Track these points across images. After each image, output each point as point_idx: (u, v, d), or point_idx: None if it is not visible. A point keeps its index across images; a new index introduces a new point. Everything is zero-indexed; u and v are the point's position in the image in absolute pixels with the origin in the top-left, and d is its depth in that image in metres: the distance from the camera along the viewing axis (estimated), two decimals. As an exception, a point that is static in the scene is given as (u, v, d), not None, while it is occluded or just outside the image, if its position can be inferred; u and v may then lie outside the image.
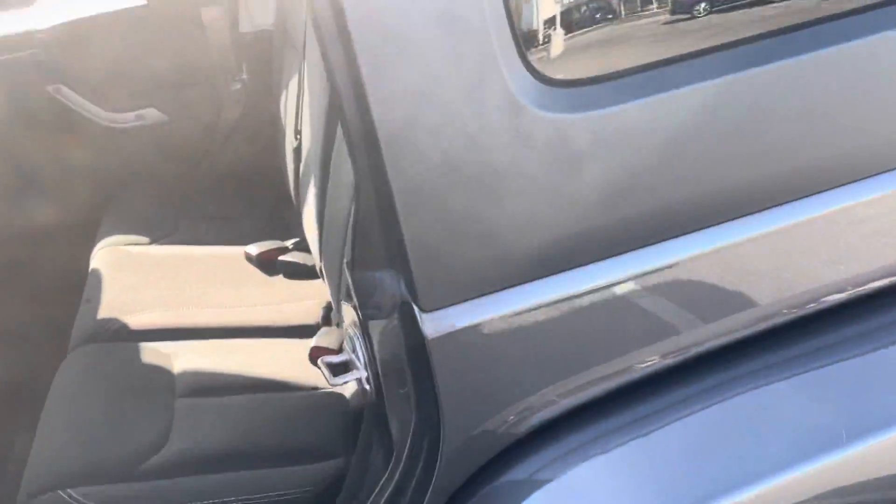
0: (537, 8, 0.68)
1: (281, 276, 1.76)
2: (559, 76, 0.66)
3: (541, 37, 0.67)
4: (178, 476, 1.08)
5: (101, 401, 1.23)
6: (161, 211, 2.11)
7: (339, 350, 1.42)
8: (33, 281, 2.32)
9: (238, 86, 2.40)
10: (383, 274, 0.72)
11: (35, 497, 1.02)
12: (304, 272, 1.75)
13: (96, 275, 1.73)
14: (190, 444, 1.13)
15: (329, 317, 1.57)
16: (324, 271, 1.47)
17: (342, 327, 1.50)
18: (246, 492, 1.06)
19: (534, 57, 0.65)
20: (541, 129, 0.65)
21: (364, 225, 0.70)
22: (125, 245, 1.87)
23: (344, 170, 1.11)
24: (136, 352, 1.39)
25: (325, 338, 1.45)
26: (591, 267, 0.71)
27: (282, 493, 1.07)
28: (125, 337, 1.44)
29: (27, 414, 1.73)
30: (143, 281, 1.66)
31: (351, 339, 0.80)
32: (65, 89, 2.20)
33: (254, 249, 1.81)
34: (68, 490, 1.02)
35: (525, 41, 0.66)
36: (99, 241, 1.94)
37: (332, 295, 1.36)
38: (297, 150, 1.82)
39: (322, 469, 1.12)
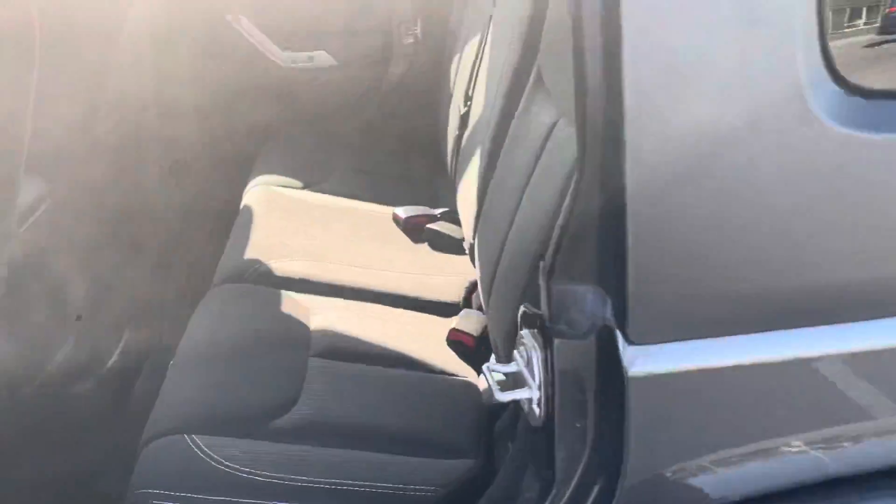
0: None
1: (426, 244, 1.69)
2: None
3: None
4: (303, 443, 1.02)
5: (236, 345, 1.20)
6: (316, 157, 2.08)
7: (479, 336, 1.33)
8: (186, 209, 2.39)
9: (410, 40, 2.34)
10: (587, 289, 0.60)
11: (160, 437, 1.00)
12: (450, 245, 1.67)
13: (247, 212, 1.72)
14: (319, 411, 1.08)
15: (471, 298, 1.48)
16: (476, 251, 1.38)
17: (485, 312, 1.41)
18: (369, 477, 0.99)
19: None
20: (838, 145, 0.51)
21: (577, 229, 0.58)
22: (278, 186, 1.85)
23: (550, 158, 1.00)
24: (277, 299, 1.35)
25: (466, 321, 1.36)
26: (870, 324, 0.56)
27: (405, 486, 0.99)
28: (267, 281, 1.41)
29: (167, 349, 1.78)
30: (292, 226, 1.63)
31: (526, 350, 0.69)
32: (245, 20, 2.21)
33: (402, 212, 1.74)
34: (193, 436, 0.99)
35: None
36: (253, 177, 1.94)
37: (482, 280, 1.27)
38: (465, 118, 1.72)
39: (449, 468, 1.03)
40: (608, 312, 0.60)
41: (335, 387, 1.14)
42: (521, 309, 0.72)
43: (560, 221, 0.64)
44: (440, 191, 2.05)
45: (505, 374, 0.74)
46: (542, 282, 0.63)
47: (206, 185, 2.41)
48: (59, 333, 1.71)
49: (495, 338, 1.10)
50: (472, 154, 1.59)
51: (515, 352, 0.73)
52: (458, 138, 1.77)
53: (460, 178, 1.71)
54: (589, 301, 0.60)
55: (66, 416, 1.58)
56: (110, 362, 1.65)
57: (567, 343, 0.63)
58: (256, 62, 2.28)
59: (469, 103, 1.71)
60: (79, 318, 1.78)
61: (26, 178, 1.62)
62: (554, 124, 1.09)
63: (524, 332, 0.70)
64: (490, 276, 1.18)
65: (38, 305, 1.63)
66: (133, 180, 2.32)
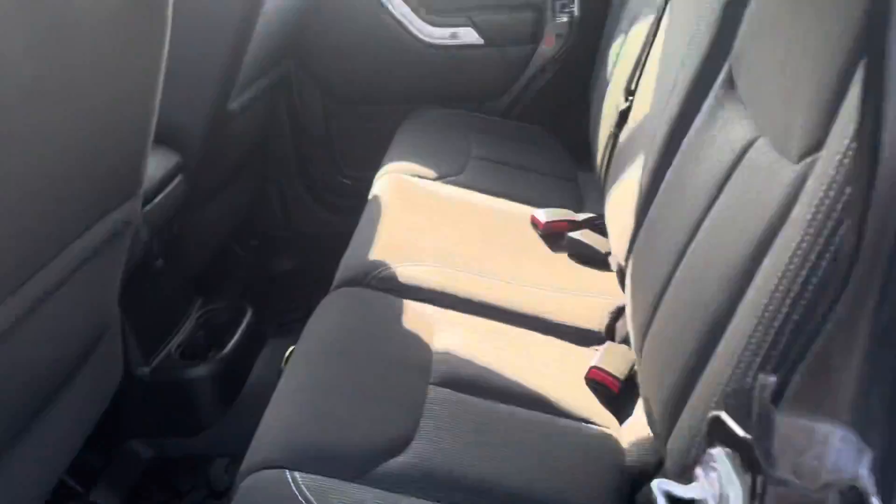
0: None
1: (566, 255, 1.51)
2: None
3: None
4: (414, 495, 0.89)
5: (351, 363, 1.08)
6: (452, 143, 1.94)
7: (623, 380, 1.15)
8: (315, 193, 2.34)
9: (565, 19, 2.13)
10: (834, 429, 0.41)
11: (261, 469, 0.90)
12: (593, 259, 1.48)
13: (376, 203, 1.60)
14: (435, 456, 0.94)
15: (615, 326, 1.29)
16: (628, 278, 1.19)
17: (636, 363, 1.23)
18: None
19: None
20: None
21: (835, 331, 0.40)
22: (410, 175, 1.72)
23: (744, 189, 0.80)
24: (398, 310, 1.22)
25: (609, 358, 1.18)
26: None
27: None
28: (390, 287, 1.28)
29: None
30: (422, 224, 1.50)
31: (718, 478, 0.51)
32: (389, -10, 2.09)
33: (542, 216, 1.56)
34: (296, 474, 0.88)
35: None
36: (386, 162, 1.82)
37: (634, 318, 1.08)
38: (624, 115, 1.52)
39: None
40: (863, 468, 0.41)
41: (455, 427, 1.00)
42: (712, 414, 0.54)
43: (786, 304, 0.45)
44: (585, 191, 1.86)
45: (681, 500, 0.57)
46: (756, 404, 0.45)
47: (336, 167, 2.34)
48: (180, 313, 1.68)
49: (649, 400, 0.92)
50: (630, 159, 1.38)
51: (699, 470, 0.55)
52: (614, 137, 1.57)
53: (612, 183, 1.51)
54: (835, 447, 0.42)
55: (180, 399, 1.55)
56: (228, 348, 1.60)
57: (788, 496, 0.45)
58: (398, 37, 2.16)
59: (631, 99, 1.50)
60: (202, 298, 1.75)
61: (159, 150, 1.59)
62: (749, 144, 0.87)
63: (717, 453, 0.52)
64: (646, 320, 0.99)
65: (166, 282, 1.61)
66: (262, 157, 2.28)
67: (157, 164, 1.48)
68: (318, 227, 2.38)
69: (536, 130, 2.14)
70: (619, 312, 1.32)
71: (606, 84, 1.76)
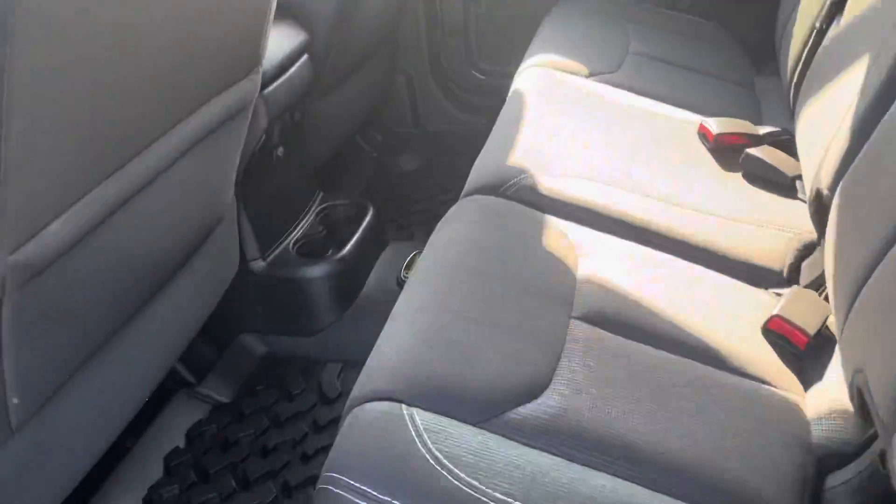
0: None
1: (740, 174, 1.27)
2: None
3: None
4: (548, 450, 0.75)
5: (482, 285, 0.93)
6: (608, 35, 1.68)
7: (814, 335, 0.93)
8: (443, 85, 2.15)
9: None
10: None
11: (372, 399, 0.77)
12: (776, 183, 1.23)
13: (517, 100, 1.40)
14: (574, 407, 0.78)
15: (800, 266, 1.06)
16: (835, 207, 0.95)
17: (821, 294, 1.00)
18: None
19: None
20: None
21: None
22: (558, 70, 1.50)
23: None
24: (538, 226, 1.05)
25: (795, 306, 0.96)
26: None
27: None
28: (529, 199, 1.11)
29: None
30: (571, 127, 1.29)
31: None
32: None
33: (714, 126, 1.31)
34: (413, 410, 0.75)
35: None
36: (529, 55, 1.61)
37: (837, 277, 0.85)
38: (836, 5, 1.22)
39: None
40: None
41: (601, 374, 0.83)
42: None
43: None
44: (764, 100, 1.57)
45: None
46: None
47: (470, 59, 2.13)
48: (299, 207, 1.58)
49: (863, 372, 0.70)
50: (840, 65, 1.10)
51: None
52: (817, 35, 1.27)
53: (808, 93, 1.23)
54: None
55: (295, 297, 1.47)
56: (347, 249, 1.49)
57: None
58: None
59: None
60: (322, 193, 1.64)
61: (285, 26, 1.45)
62: None
63: None
64: (863, 268, 0.76)
65: (286, 173, 1.51)
66: (392, 46, 2.10)
67: (281, 41, 1.34)
68: (447, 125, 2.21)
69: (708, 26, 1.83)
70: (806, 250, 1.08)
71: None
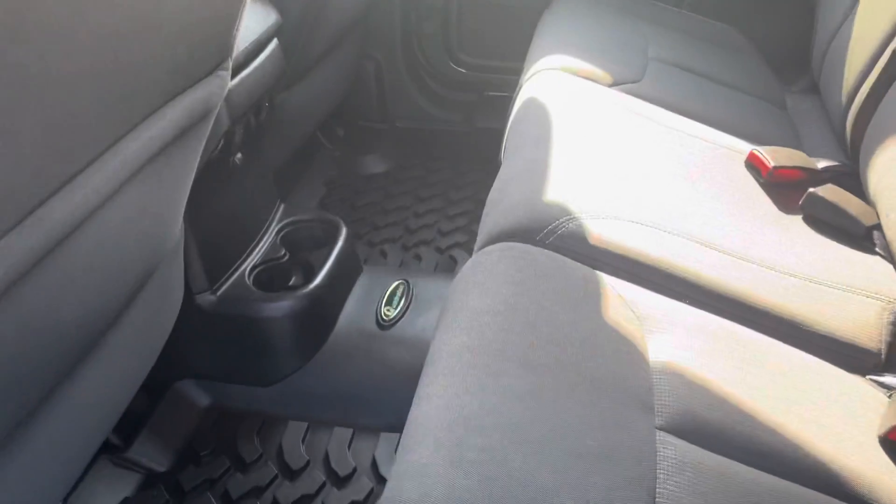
0: None
1: (800, 218, 1.07)
2: None
3: None
4: None
5: (536, 378, 0.69)
6: (623, 36, 1.46)
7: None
8: (417, 77, 1.88)
9: None
10: None
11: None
12: (841, 231, 1.04)
13: (532, 111, 1.16)
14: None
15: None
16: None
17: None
18: None
19: None
20: None
21: None
22: (577, 76, 1.27)
23: None
24: (592, 288, 0.82)
25: (917, 409, 0.77)
26: None
27: None
28: (574, 250, 0.87)
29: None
30: (607, 149, 1.06)
31: None
32: None
33: (768, 158, 1.11)
34: None
35: None
36: (533, 57, 1.37)
37: None
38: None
39: None
40: None
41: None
42: None
43: None
44: (803, 123, 1.39)
45: None
46: None
47: (448, 50, 1.87)
48: (258, 225, 1.30)
49: None
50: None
51: None
52: (885, 67, 1.08)
53: (883, 131, 1.05)
54: None
55: (250, 338, 1.20)
56: (317, 280, 1.22)
57: None
58: None
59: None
60: (284, 206, 1.36)
61: (255, 6, 1.16)
62: None
63: None
64: None
65: (244, 183, 1.22)
66: (363, 29, 1.82)
67: (248, 24, 1.06)
68: (419, 121, 1.95)
69: (723, 30, 1.64)
70: (902, 324, 0.89)
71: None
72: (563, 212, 0.89)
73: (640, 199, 0.96)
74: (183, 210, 0.91)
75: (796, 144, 1.30)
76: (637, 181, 1.00)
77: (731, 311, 0.86)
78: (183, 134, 0.77)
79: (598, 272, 0.85)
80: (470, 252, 1.56)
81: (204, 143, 0.86)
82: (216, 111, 0.84)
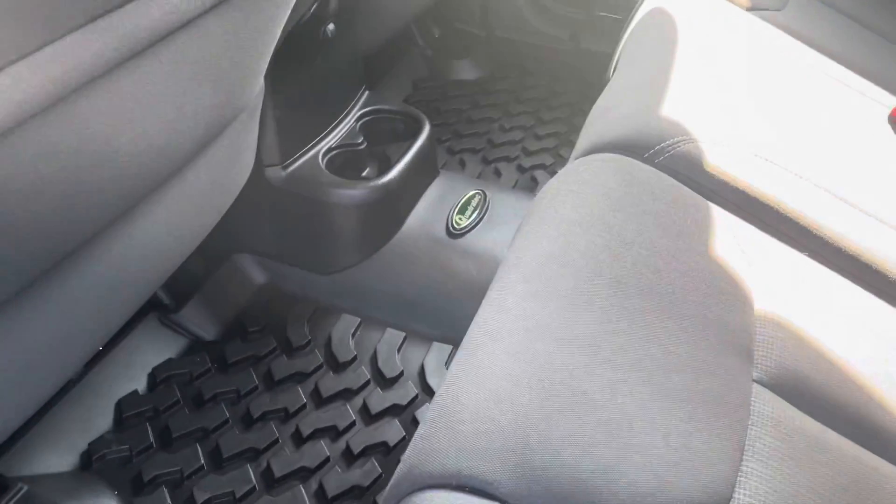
0: None
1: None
2: None
3: None
4: None
5: (626, 301, 0.61)
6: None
7: None
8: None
9: None
10: None
11: (424, 489, 0.47)
12: None
13: (652, 23, 1.04)
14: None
15: None
16: None
17: None
18: None
19: None
20: None
21: None
22: (709, -6, 1.13)
23: None
24: (702, 218, 0.72)
25: None
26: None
27: None
28: (686, 175, 0.77)
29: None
30: (734, 77, 0.94)
31: None
32: None
33: (917, 114, 0.98)
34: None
35: None
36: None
37: None
38: None
39: None
40: None
41: (801, 485, 0.54)
42: None
43: None
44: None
45: None
46: None
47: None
48: (339, 106, 1.23)
49: None
50: None
51: None
52: None
53: None
54: None
55: (315, 221, 1.14)
56: (390, 174, 1.15)
57: None
58: None
59: None
60: (369, 93, 1.28)
61: None
62: None
63: None
64: None
65: (331, 59, 1.15)
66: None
67: None
68: (520, 33, 1.83)
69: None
70: None
71: None
72: (680, 131, 0.79)
73: (766, 133, 0.85)
74: (265, 68, 0.85)
75: (947, 109, 1.14)
76: (765, 115, 0.89)
77: (853, 272, 0.75)
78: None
79: (709, 202, 0.75)
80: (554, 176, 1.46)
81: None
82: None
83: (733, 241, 0.72)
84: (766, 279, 0.69)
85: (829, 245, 0.76)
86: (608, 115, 0.85)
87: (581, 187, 0.73)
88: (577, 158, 0.80)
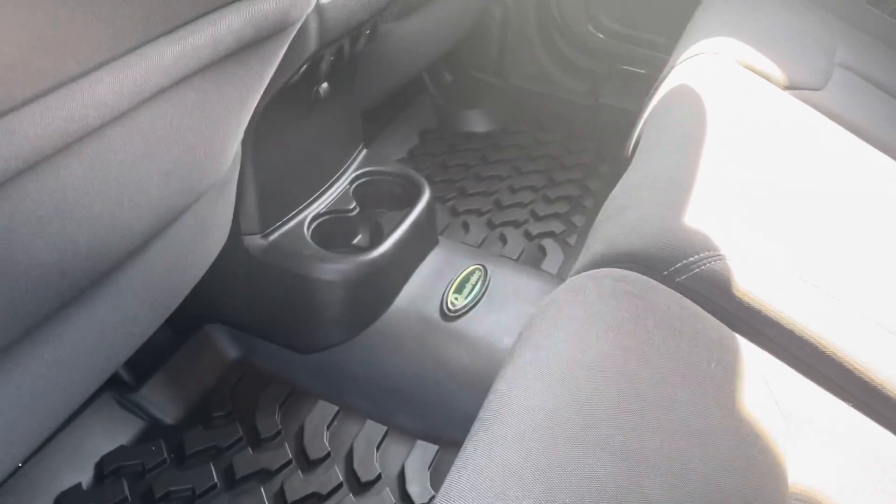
0: None
1: None
2: None
3: None
4: None
5: (627, 471, 0.50)
6: (806, 29, 1.20)
7: None
8: (548, 35, 1.64)
9: None
10: None
11: None
12: None
13: (680, 102, 0.93)
14: None
15: None
16: None
17: None
18: None
19: None
20: None
21: None
22: (745, 68, 1.03)
23: None
24: (728, 357, 0.61)
25: None
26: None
27: None
28: (711, 299, 0.66)
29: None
30: (772, 169, 0.83)
31: None
32: None
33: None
34: None
35: None
36: (694, 34, 1.13)
37: None
38: None
39: None
40: None
41: None
42: None
43: None
44: None
45: None
46: None
47: (589, 11, 1.63)
48: (333, 166, 1.12)
49: None
50: None
51: None
52: None
53: None
54: None
55: (297, 296, 1.04)
56: (382, 247, 1.05)
57: None
58: None
59: None
60: (367, 151, 1.18)
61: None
62: None
63: None
64: None
65: (325, 117, 1.05)
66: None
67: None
68: (537, 83, 1.73)
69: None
70: None
71: None
72: (706, 244, 0.68)
73: (806, 247, 0.74)
74: (237, 143, 0.75)
75: None
76: (805, 221, 0.78)
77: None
78: (243, 50, 0.60)
79: (737, 336, 0.64)
80: (563, 247, 1.35)
81: (275, 65, 0.69)
82: (296, 27, 0.66)
83: (765, 388, 0.61)
84: (804, 441, 0.58)
85: (880, 394, 0.64)
86: (624, 216, 0.74)
87: (588, 316, 0.62)
88: (585, 269, 0.69)
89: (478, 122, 1.68)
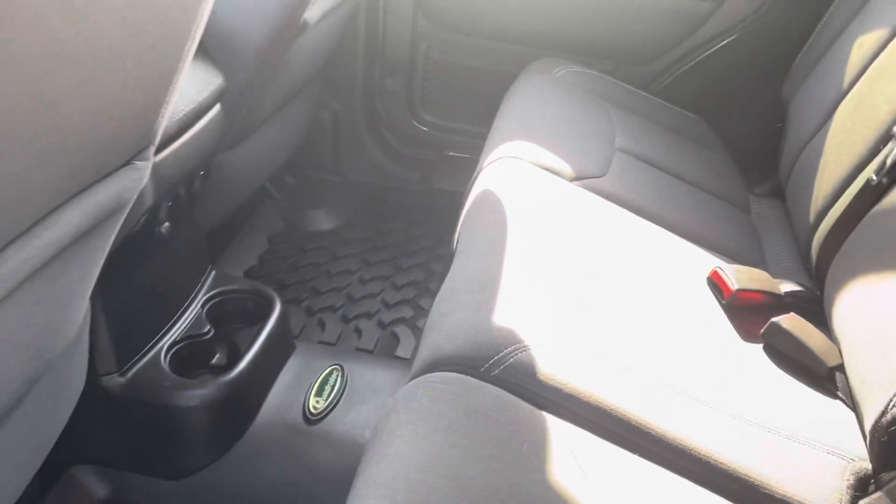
0: None
1: (760, 347, 1.01)
2: None
3: None
4: None
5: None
6: (588, 120, 1.41)
7: None
8: (375, 130, 1.80)
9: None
10: None
11: None
12: (801, 365, 0.99)
13: (486, 206, 1.08)
14: None
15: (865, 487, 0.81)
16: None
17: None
18: None
19: None
20: None
21: None
22: (536, 166, 1.20)
23: None
24: (538, 438, 0.73)
25: None
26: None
27: None
28: (522, 387, 0.79)
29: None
30: (564, 262, 0.99)
31: None
32: None
33: (731, 278, 1.05)
34: None
35: None
36: (497, 137, 1.30)
37: None
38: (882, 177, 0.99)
39: None
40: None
41: None
42: None
43: None
44: (766, 231, 1.35)
45: None
46: None
47: (410, 107, 1.80)
48: (182, 295, 1.19)
49: None
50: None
51: None
52: (858, 195, 1.04)
53: (856, 264, 1.00)
54: None
55: (160, 427, 1.08)
56: (238, 367, 1.12)
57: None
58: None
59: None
60: (216, 272, 1.25)
61: (197, 66, 1.06)
62: None
63: None
64: None
65: (169, 254, 1.11)
66: (321, 78, 1.74)
67: (187, 88, 0.96)
68: (373, 176, 1.87)
69: (691, 121, 1.60)
70: (861, 487, 0.84)
71: (837, 86, 1.23)
72: (512, 339, 0.81)
73: (598, 322, 0.89)
74: (86, 303, 0.81)
75: (759, 256, 1.25)
76: (594, 301, 0.93)
77: (683, 465, 0.78)
78: (84, 235, 0.67)
79: (545, 414, 0.77)
80: (414, 331, 1.47)
81: (114, 235, 0.76)
82: (130, 205, 0.74)
83: (569, 455, 0.74)
84: (602, 492, 0.71)
85: (661, 440, 0.79)
86: (445, 322, 0.86)
87: (422, 420, 0.73)
88: (416, 376, 0.80)
89: (323, 221, 1.78)
